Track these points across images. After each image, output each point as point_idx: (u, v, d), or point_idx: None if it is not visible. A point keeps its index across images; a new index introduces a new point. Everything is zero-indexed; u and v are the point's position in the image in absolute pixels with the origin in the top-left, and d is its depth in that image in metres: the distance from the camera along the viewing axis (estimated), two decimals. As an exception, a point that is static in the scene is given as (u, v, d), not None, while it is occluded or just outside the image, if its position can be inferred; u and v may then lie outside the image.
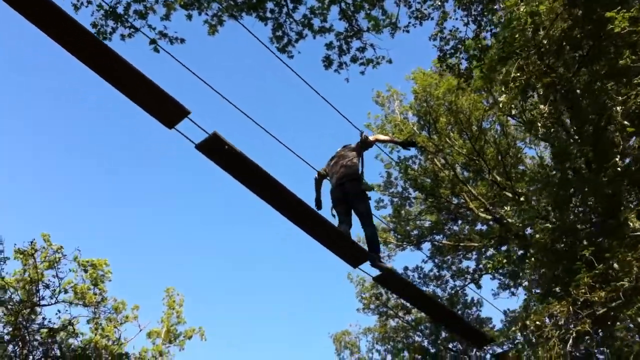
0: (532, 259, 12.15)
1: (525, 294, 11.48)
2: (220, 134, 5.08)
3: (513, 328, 9.93)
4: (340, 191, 7.00)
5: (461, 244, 18.92)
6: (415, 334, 21.89)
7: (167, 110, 4.92)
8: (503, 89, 10.14)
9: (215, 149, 5.20)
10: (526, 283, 21.39)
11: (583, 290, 8.53)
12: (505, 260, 13.56)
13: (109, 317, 17.59)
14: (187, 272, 51.11)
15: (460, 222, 20.14)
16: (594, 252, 8.82)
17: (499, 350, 21.48)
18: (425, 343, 21.81)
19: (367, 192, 7.04)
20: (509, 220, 18.40)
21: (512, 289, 21.23)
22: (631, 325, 9.09)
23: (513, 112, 17.25)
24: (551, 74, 9.34)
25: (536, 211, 11.08)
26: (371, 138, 7.60)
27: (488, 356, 21.81)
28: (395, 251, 20.38)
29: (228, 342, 48.52)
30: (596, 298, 8.36)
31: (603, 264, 8.69)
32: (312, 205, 6.74)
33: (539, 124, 9.69)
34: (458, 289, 21.29)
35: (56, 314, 16.69)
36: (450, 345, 21.32)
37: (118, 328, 17.48)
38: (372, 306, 21.85)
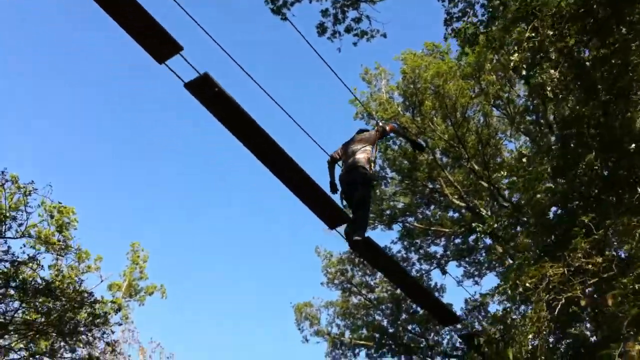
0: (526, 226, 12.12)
1: (520, 255, 11.37)
2: (211, 75, 4.94)
3: (504, 286, 9.81)
4: (349, 177, 7.00)
5: (432, 229, 19.04)
6: (376, 313, 22.06)
7: (159, 44, 4.74)
8: (516, 48, 9.98)
9: (205, 90, 5.03)
10: (493, 273, 21.74)
11: (580, 255, 8.47)
12: (495, 225, 13.55)
13: (71, 265, 17.36)
14: (155, 229, 51.00)
15: (433, 206, 20.26)
16: (593, 220, 8.65)
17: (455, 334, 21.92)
18: (385, 322, 22.01)
19: (373, 182, 7.15)
20: (482, 210, 18.58)
21: (476, 278, 21.54)
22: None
23: (498, 102, 17.36)
24: (565, 39, 9.15)
25: (537, 173, 10.91)
26: (388, 128, 7.70)
27: (444, 340, 22.28)
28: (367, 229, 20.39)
29: (189, 303, 48.65)
30: (591, 265, 8.33)
31: (602, 231, 8.62)
32: (316, 180, 6.58)
33: (548, 89, 9.54)
34: (424, 272, 21.48)
35: (21, 247, 16.44)
36: (409, 327, 21.55)
37: (79, 277, 17.23)
38: (336, 281, 21.96)
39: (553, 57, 9.27)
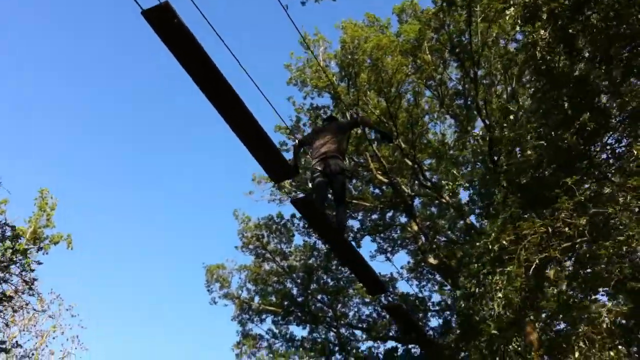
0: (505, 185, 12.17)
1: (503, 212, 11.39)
2: (172, 5, 4.56)
3: (484, 241, 9.83)
4: (322, 165, 7.05)
5: (352, 201, 19.09)
6: (287, 281, 22.02)
7: None
8: (512, 2, 9.91)
9: (163, 19, 4.67)
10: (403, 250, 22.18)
11: (563, 215, 8.52)
12: (466, 184, 13.58)
13: (-28, 206, 16.19)
14: (67, 178, 48.69)
15: (355, 180, 20.31)
16: (577, 182, 8.80)
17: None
18: (295, 291, 22.04)
19: (346, 171, 7.17)
20: (404, 187, 18.83)
21: (389, 254, 21.90)
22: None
23: (430, 83, 17.51)
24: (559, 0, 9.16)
25: (528, 129, 10.89)
26: (359, 120, 7.89)
27: (351, 312, 22.62)
28: (287, 197, 20.24)
29: (97, 256, 47.16)
30: (567, 228, 8.40)
31: (587, 192, 8.73)
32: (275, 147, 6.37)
33: (538, 49, 9.56)
34: (338, 245, 21.57)
35: None
36: (318, 297, 21.69)
37: (-1, 211, 16.14)
38: (251, 246, 21.70)
39: (544, 17, 9.29)
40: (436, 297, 22.19)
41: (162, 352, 47.40)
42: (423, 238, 20.00)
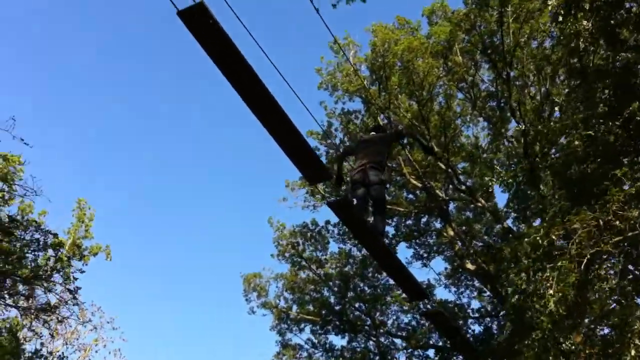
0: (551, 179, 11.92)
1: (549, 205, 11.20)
2: (208, 5, 4.58)
3: (534, 236, 9.66)
4: (361, 176, 7.14)
5: (387, 206, 18.98)
6: (324, 289, 21.98)
7: None
8: None
9: (199, 20, 4.69)
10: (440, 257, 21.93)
11: (614, 208, 8.33)
12: (510, 180, 13.41)
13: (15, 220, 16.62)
14: (106, 190, 49.78)
15: (389, 185, 20.24)
16: (626, 174, 8.63)
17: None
18: (332, 299, 21.98)
19: (385, 182, 7.29)
20: (438, 192, 18.67)
21: (425, 261, 21.68)
22: None
23: (462, 85, 17.38)
24: None
25: (574, 120, 10.67)
26: (404, 132, 8.18)
27: (390, 320, 22.40)
28: (321, 203, 20.29)
29: (135, 267, 47.95)
30: (618, 222, 8.18)
31: (637, 184, 8.49)
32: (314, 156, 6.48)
33: (581, 40, 9.45)
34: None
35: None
36: (356, 305, 21.58)
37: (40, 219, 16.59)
38: (287, 254, 21.74)
39: (587, 8, 9.16)
40: (475, 304, 21.89)
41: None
42: (459, 243, 19.76)
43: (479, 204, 18.62)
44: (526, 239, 10.91)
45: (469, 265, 19.25)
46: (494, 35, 15.78)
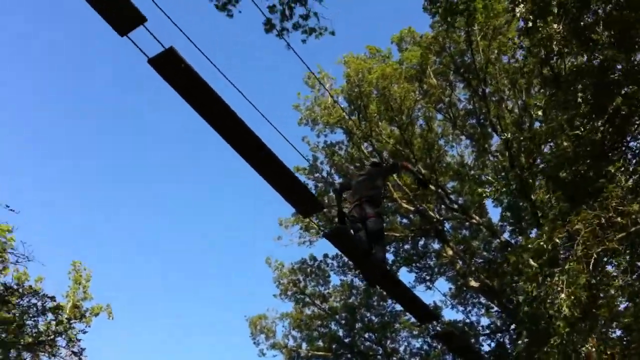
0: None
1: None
2: (177, 50, 4.62)
3: (538, 241, 9.57)
4: (358, 211, 7.28)
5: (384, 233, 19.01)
6: (331, 323, 21.88)
7: (122, 15, 4.49)
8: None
9: (170, 65, 4.72)
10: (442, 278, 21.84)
11: (614, 204, 8.28)
12: (504, 189, 13.34)
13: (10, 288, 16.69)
14: (98, 247, 49.76)
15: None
16: (619, 168, 8.63)
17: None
18: (341, 332, 21.85)
19: (381, 215, 7.38)
20: (430, 213, 18.73)
21: (428, 283, 21.59)
22: None
23: (440, 106, 17.58)
24: None
25: (559, 122, 10.65)
26: (399, 165, 8.18)
27: (401, 347, 22.21)
28: (317, 237, 20.33)
29: (137, 322, 47.59)
30: (620, 218, 8.13)
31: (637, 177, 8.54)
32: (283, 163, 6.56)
33: (554, 43, 9.54)
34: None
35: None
36: (365, 335, 21.45)
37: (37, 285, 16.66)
38: (289, 292, 21.71)
39: (555, 12, 9.29)
40: (485, 321, 21.74)
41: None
42: (460, 262, 19.74)
43: (474, 221, 18.66)
44: (530, 246, 10.90)
45: (473, 283, 19.19)
46: (465, 55, 16.04)
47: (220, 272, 54.11)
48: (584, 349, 9.86)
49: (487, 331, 21.15)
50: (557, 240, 9.23)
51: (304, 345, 22.25)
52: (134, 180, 56.04)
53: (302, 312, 21.94)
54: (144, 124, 56.29)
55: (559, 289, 8.92)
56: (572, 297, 8.68)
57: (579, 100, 9.66)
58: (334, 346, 21.51)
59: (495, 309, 20.50)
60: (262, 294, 53.49)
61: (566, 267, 8.83)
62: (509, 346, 19.69)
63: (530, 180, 16.28)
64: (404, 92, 16.21)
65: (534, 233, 19.59)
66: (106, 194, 53.96)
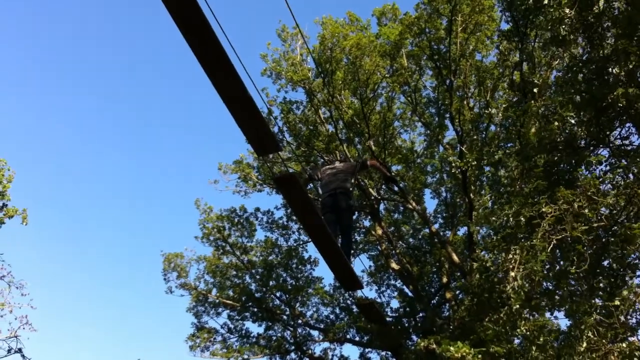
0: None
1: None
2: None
3: (506, 212, 9.51)
4: (331, 201, 7.61)
5: (318, 200, 18.93)
6: (246, 275, 21.74)
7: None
8: None
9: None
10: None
11: (590, 192, 8.34)
12: (475, 163, 13.22)
13: None
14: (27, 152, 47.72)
15: (314, 169, 20.13)
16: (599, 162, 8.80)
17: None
18: (253, 287, 21.76)
19: (353, 207, 7.74)
20: (370, 190, 18.75)
21: (352, 257, 21.69)
22: None
23: (405, 89, 17.46)
24: None
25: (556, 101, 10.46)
26: (369, 163, 8.47)
27: (309, 312, 22.41)
28: (253, 190, 20.03)
29: (53, 233, 46.25)
30: (595, 208, 8.23)
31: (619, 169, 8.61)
32: None
33: (563, 28, 9.37)
34: (301, 242, 21.45)
35: None
36: (277, 294, 21.44)
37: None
38: (211, 237, 21.34)
39: None
40: (395, 303, 22.19)
41: (114, 338, 46.70)
42: (386, 243, 19.94)
43: (409, 206, 18.81)
44: (493, 218, 10.98)
45: (394, 265, 19.45)
46: (442, 43, 15.91)
47: (147, 200, 53.07)
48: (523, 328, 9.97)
49: (395, 314, 21.60)
50: (523, 219, 9.33)
51: (215, 291, 22.04)
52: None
53: (220, 259, 21.63)
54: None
55: (516, 263, 9.03)
56: (527, 272, 8.83)
57: (578, 88, 9.66)
58: (243, 298, 21.41)
59: (409, 294, 20.93)
60: (182, 233, 52.85)
61: (527, 243, 8.96)
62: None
63: (473, 179, 16.52)
64: (375, 67, 15.93)
65: (462, 230, 20.10)
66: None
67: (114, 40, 55.96)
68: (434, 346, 10.33)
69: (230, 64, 5.44)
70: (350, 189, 7.82)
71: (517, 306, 8.87)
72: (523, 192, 10.16)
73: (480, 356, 9.59)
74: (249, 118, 6.01)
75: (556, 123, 9.55)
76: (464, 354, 9.59)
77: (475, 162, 11.58)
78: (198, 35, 5.06)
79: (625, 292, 8.12)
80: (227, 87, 5.63)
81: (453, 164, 12.02)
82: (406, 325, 19.92)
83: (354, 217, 7.92)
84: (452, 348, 9.74)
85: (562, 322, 22.92)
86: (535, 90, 11.36)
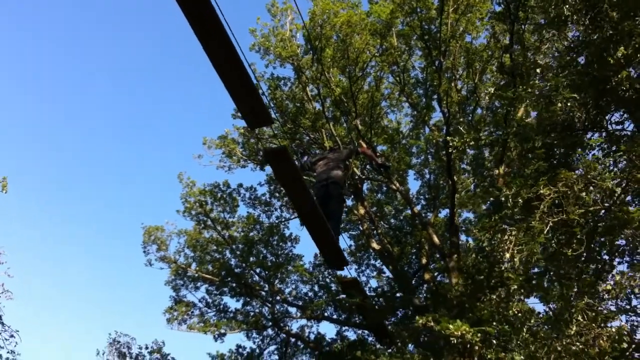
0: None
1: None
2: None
3: (505, 193, 9.48)
4: (323, 190, 7.88)
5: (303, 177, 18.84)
6: (226, 250, 21.65)
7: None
8: None
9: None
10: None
11: (593, 173, 8.35)
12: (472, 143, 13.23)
13: None
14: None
15: (307, 157, 20.06)
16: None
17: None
18: (233, 262, 21.69)
19: (345, 198, 8.02)
20: (355, 169, 18.71)
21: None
22: None
23: (393, 68, 17.35)
24: None
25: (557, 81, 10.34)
26: (360, 150, 8.72)
27: (288, 289, 22.43)
28: (237, 166, 19.89)
29: (34, 200, 45.74)
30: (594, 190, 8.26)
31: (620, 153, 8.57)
32: None
33: (566, 7, 9.28)
34: (283, 220, 21.40)
35: None
36: (257, 270, 21.41)
37: None
38: (193, 212, 21.19)
39: None
40: (373, 283, 22.30)
41: (93, 308, 46.54)
42: (368, 223, 19.97)
43: (393, 187, 18.82)
44: (492, 198, 11.00)
45: (375, 245, 19.50)
46: (433, 23, 15.80)
47: (129, 171, 52.55)
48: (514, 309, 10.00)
49: (373, 294, 21.72)
50: (520, 200, 9.38)
51: (194, 265, 21.94)
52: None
53: (200, 233, 21.51)
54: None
55: (511, 245, 9.08)
56: (526, 253, 8.89)
57: (579, 69, 9.62)
58: (223, 273, 21.35)
59: (388, 274, 21.02)
60: (164, 206, 52.55)
61: (528, 224, 8.99)
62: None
63: (458, 161, 16.54)
64: (364, 45, 15.79)
65: (444, 212, 20.19)
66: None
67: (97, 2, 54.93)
68: (432, 324, 10.39)
69: (226, 33, 5.40)
70: (342, 176, 8.03)
71: (516, 287, 8.96)
72: (530, 169, 10.19)
73: (479, 335, 9.68)
74: (240, 87, 5.99)
75: (559, 104, 9.49)
76: (464, 332, 9.68)
77: (473, 142, 11.53)
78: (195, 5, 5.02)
79: (618, 277, 8.21)
80: (221, 58, 5.60)
81: (450, 143, 11.92)
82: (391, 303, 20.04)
83: (344, 204, 7.99)
84: (451, 326, 9.82)
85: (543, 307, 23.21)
86: (538, 70, 11.31)
